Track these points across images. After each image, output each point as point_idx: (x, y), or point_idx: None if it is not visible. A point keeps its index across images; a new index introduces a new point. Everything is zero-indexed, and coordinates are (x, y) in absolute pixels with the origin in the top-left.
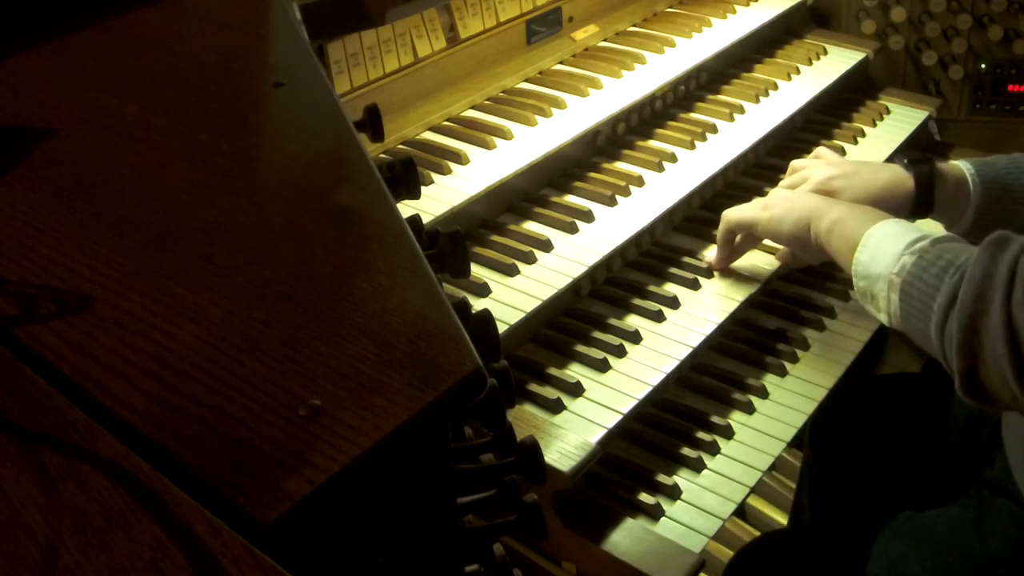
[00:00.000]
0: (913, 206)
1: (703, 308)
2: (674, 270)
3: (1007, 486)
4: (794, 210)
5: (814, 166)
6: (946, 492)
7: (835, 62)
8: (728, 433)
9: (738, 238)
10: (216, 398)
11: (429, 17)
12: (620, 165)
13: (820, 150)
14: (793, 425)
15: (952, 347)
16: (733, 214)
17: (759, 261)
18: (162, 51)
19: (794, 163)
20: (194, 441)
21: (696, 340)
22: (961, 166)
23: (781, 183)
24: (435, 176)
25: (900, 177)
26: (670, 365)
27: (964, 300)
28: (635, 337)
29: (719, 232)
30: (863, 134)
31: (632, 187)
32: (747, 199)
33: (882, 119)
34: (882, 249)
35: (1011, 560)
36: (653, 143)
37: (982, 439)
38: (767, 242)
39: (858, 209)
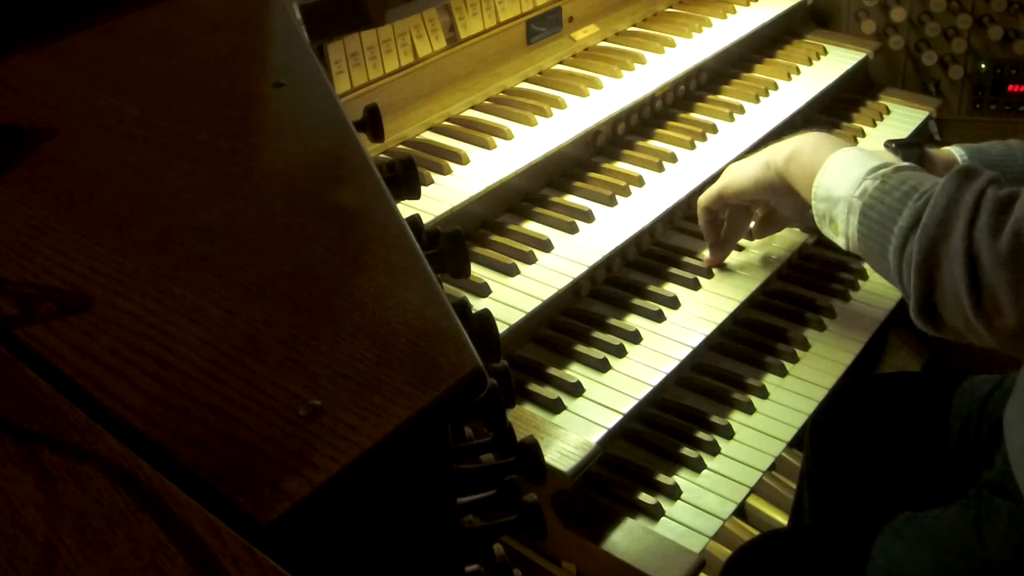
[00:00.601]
0: None
1: (703, 308)
2: (674, 270)
3: (1007, 487)
4: (752, 159)
5: None
6: (946, 492)
7: (835, 62)
8: (728, 433)
9: (722, 218)
10: (216, 398)
11: (429, 17)
12: (620, 165)
13: None
14: (793, 425)
15: (911, 270)
16: (702, 196)
17: (759, 261)
18: (162, 51)
19: None
20: (194, 441)
21: (696, 340)
22: (953, 151)
23: None
24: (435, 176)
25: (888, 160)
26: (670, 365)
27: (927, 224)
28: (635, 337)
29: (700, 224)
30: (863, 134)
31: (632, 187)
32: None
33: (882, 119)
34: (844, 173)
35: (1011, 561)
36: (653, 143)
37: (981, 439)
38: (761, 242)
39: (816, 136)
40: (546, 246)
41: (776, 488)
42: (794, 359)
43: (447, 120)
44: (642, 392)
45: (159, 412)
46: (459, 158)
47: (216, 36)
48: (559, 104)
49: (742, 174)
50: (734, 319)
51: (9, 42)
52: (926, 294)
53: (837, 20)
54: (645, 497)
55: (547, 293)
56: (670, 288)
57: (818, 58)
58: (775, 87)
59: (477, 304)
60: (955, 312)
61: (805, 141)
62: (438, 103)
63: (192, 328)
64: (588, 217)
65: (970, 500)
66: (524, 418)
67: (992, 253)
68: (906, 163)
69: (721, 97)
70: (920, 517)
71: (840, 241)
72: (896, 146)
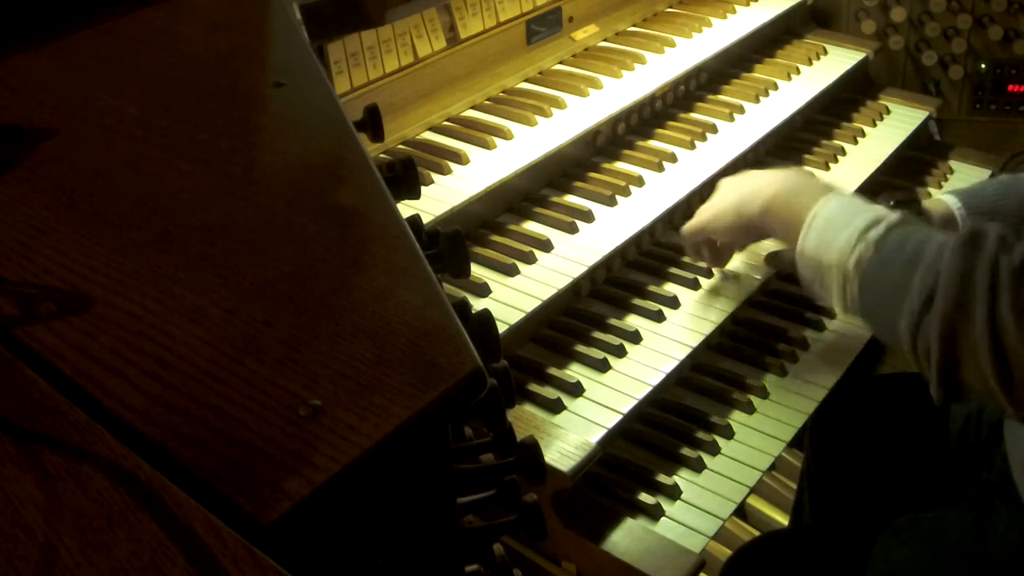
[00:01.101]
0: None
1: (703, 308)
2: (674, 270)
3: (1007, 489)
4: (723, 201)
5: None
6: (946, 493)
7: (835, 62)
8: (728, 433)
9: (705, 249)
10: (216, 398)
11: (429, 17)
12: (620, 165)
13: None
14: (793, 425)
15: (928, 353)
16: (686, 229)
17: (759, 261)
18: (162, 51)
19: None
20: (194, 441)
21: (696, 340)
22: (947, 201)
23: None
24: (435, 176)
25: (876, 214)
26: (670, 365)
27: (943, 308)
28: (635, 337)
29: (689, 254)
30: (863, 134)
31: (632, 187)
32: None
33: (882, 119)
34: (830, 234)
35: (1012, 564)
36: (653, 143)
37: (981, 439)
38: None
39: (791, 183)
40: (546, 246)
41: (776, 488)
42: (794, 359)
43: (447, 120)
44: (642, 392)
45: (159, 412)
46: (459, 158)
47: (216, 36)
48: (559, 104)
49: (716, 221)
50: (734, 319)
51: (9, 42)
52: (948, 377)
53: (837, 20)
54: (645, 497)
55: (547, 293)
56: (670, 288)
57: (818, 58)
58: (775, 87)
59: (477, 304)
60: (980, 390)
61: (778, 190)
62: (438, 103)
63: (192, 328)
64: (588, 217)
65: (970, 501)
66: (524, 418)
67: (1020, 334)
68: (895, 217)
69: (721, 97)
70: (921, 518)
71: (836, 306)
72: (894, 204)
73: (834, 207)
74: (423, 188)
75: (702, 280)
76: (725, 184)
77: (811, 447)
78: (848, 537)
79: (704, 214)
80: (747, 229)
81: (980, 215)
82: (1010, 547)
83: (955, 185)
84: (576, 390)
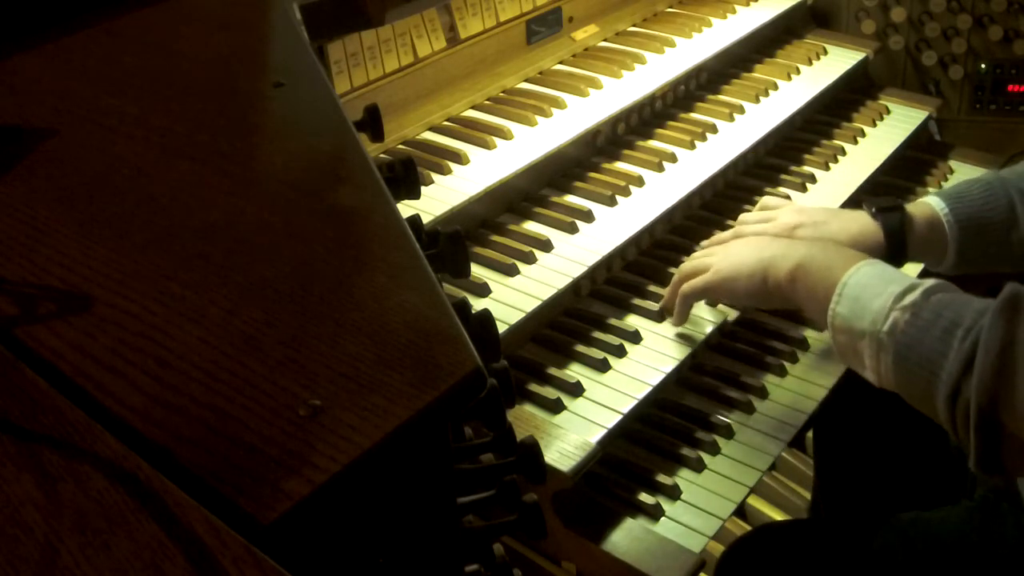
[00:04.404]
0: (886, 256)
1: (703, 308)
2: (674, 270)
3: (1013, 493)
4: (744, 265)
5: (783, 209)
6: (951, 489)
7: (835, 62)
8: (728, 433)
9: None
10: (216, 398)
11: (429, 17)
12: (620, 165)
13: (765, 200)
14: (793, 425)
15: (968, 423)
16: (686, 287)
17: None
18: (162, 51)
19: (765, 200)
20: (194, 441)
21: (696, 340)
22: (933, 204)
23: (746, 216)
24: (435, 176)
25: (869, 228)
26: (670, 365)
27: (983, 373)
28: (635, 337)
29: (670, 290)
30: (863, 134)
31: (632, 187)
32: (747, 199)
33: (882, 119)
34: (864, 301)
35: (1017, 567)
36: (653, 143)
37: None
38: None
39: (820, 249)
40: (546, 246)
41: (776, 488)
42: (794, 359)
43: (447, 120)
44: (642, 392)
45: (159, 412)
46: (459, 158)
47: (216, 36)
48: (559, 104)
49: (732, 286)
50: (734, 319)
51: (9, 42)
52: (989, 447)
53: (837, 20)
54: (645, 497)
55: (547, 293)
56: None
57: (818, 58)
58: (775, 87)
59: (477, 304)
60: (1022, 462)
61: (811, 257)
62: (438, 103)
63: (192, 328)
64: (588, 217)
65: (975, 503)
66: (524, 418)
67: None
68: (932, 283)
69: (721, 97)
70: (926, 520)
71: (870, 377)
72: (876, 211)
73: (867, 273)
74: (423, 188)
75: None
76: (737, 245)
77: (816, 442)
78: (850, 532)
79: (715, 276)
80: (769, 295)
81: (968, 222)
82: (1015, 550)
83: None
84: (576, 390)
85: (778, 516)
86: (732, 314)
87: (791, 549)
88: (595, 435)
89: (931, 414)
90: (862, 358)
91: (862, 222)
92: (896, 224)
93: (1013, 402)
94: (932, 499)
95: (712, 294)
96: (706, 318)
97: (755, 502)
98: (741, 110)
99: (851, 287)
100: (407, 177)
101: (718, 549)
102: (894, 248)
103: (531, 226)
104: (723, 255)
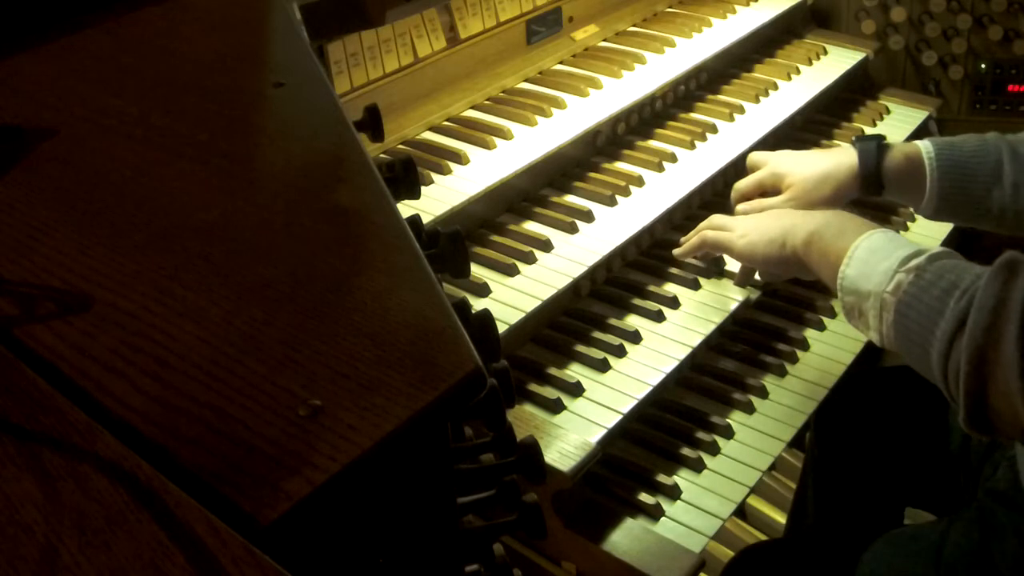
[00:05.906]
0: (860, 182)
1: (703, 308)
2: (674, 270)
3: (1013, 497)
4: (767, 231)
5: (772, 158)
6: (950, 493)
7: (835, 62)
8: (728, 433)
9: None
10: (216, 398)
11: (429, 17)
12: (620, 165)
13: (752, 155)
14: (793, 425)
15: (958, 378)
16: (711, 235)
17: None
18: (162, 51)
19: (752, 156)
20: (194, 441)
21: (696, 340)
22: (920, 146)
23: (739, 184)
24: (435, 176)
25: (846, 155)
26: (670, 365)
27: (974, 329)
28: (635, 337)
29: (696, 238)
30: (863, 134)
31: (632, 187)
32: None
33: (882, 119)
34: (871, 264)
35: None
36: (653, 143)
37: (984, 440)
38: None
39: (836, 218)
40: (546, 246)
41: (776, 488)
42: (794, 359)
43: (447, 120)
44: (642, 392)
45: (159, 412)
46: (459, 158)
47: (216, 36)
48: (559, 104)
49: (752, 251)
50: (734, 319)
51: (9, 42)
52: (977, 404)
53: (837, 20)
54: (645, 497)
55: (547, 293)
56: (670, 288)
57: (818, 58)
58: (775, 87)
59: (477, 304)
60: (1010, 421)
61: (826, 224)
62: (438, 103)
63: (192, 328)
64: (588, 217)
65: (974, 514)
66: (524, 418)
67: None
68: (939, 250)
69: (721, 97)
70: (926, 533)
71: (873, 337)
72: (855, 139)
73: (878, 239)
74: (423, 188)
75: (702, 280)
76: (761, 216)
77: (816, 438)
78: (850, 541)
79: (738, 240)
80: (787, 261)
81: (952, 169)
82: (1016, 562)
83: None
84: (576, 390)
85: (778, 516)
86: (732, 314)
87: (780, 569)
88: (595, 435)
89: (927, 374)
90: (867, 318)
91: (840, 151)
92: (871, 150)
93: (1001, 360)
94: (930, 499)
95: (732, 252)
96: (706, 318)
97: (755, 502)
98: (741, 110)
99: (861, 250)
100: (407, 177)
101: (718, 549)
102: (868, 176)
103: (531, 226)
104: (749, 221)
